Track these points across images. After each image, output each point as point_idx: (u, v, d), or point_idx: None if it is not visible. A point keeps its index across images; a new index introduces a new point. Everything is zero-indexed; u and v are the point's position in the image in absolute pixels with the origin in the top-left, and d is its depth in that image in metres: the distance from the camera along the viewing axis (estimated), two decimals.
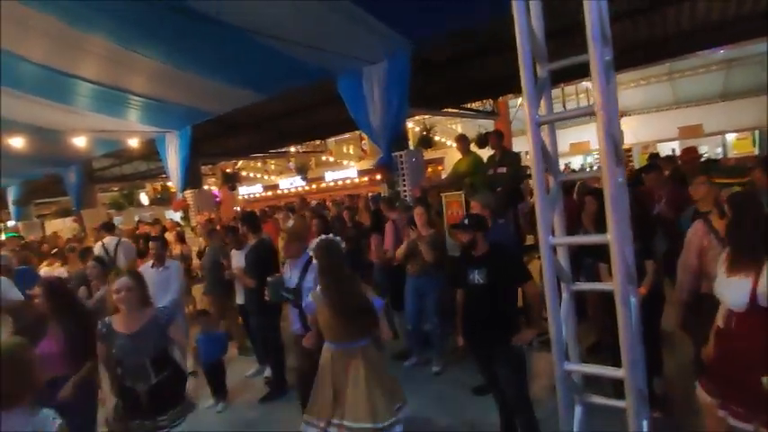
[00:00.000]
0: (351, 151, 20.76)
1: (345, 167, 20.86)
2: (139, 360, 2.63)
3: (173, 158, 8.37)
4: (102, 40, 4.85)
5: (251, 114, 8.43)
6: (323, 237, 3.07)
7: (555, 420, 3.13)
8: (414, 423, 3.58)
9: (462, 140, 5.79)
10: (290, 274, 3.55)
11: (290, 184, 21.87)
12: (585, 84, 12.09)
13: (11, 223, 13.51)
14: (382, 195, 6.23)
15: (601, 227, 3.71)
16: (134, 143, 8.40)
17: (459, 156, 6.15)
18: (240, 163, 18.81)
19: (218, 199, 9.61)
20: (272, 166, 23.12)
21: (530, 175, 7.92)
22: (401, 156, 5.98)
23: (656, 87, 14.31)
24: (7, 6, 4.14)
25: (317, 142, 18.01)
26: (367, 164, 19.08)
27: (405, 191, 5.92)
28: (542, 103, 2.00)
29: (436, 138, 11.34)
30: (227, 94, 6.30)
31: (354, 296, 2.87)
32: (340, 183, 20.26)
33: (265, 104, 7.04)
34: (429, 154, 10.50)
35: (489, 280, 3.02)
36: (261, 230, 4.66)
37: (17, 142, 7.05)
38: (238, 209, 14.43)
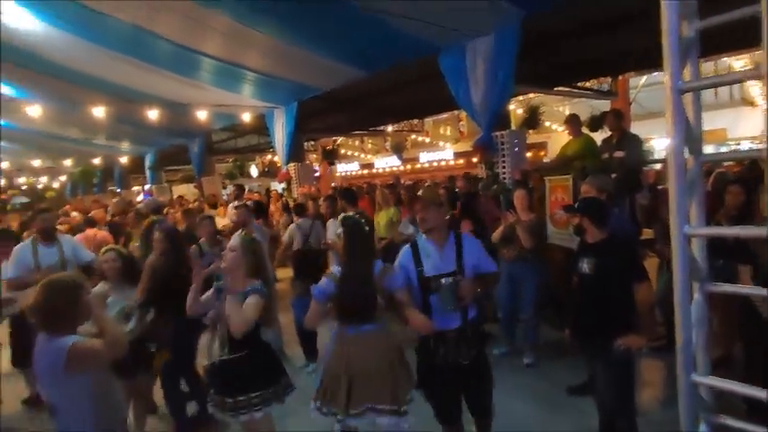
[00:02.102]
0: (448, 132, 20.39)
1: (441, 149, 20.58)
2: (219, 330, 2.60)
3: (279, 133, 8.87)
4: (224, 17, 5.21)
5: (351, 91, 8.58)
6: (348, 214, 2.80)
7: None
8: (499, 416, 3.45)
9: (573, 121, 5.31)
10: (437, 257, 2.51)
11: (386, 163, 22.19)
12: (726, 59, 10.39)
13: (146, 186, 15.54)
14: (479, 177, 5.99)
15: (746, 223, 3.18)
16: (247, 118, 9.04)
17: (563, 141, 5.66)
18: (339, 140, 19.46)
19: (317, 174, 10.07)
20: (369, 145, 23.61)
21: (652, 161, 7.10)
22: (502, 136, 5.67)
23: None
24: None
25: (415, 122, 17.95)
26: (463, 146, 18.61)
27: (504, 173, 5.63)
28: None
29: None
30: (333, 70, 6.46)
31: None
32: (435, 164, 20.08)
33: (365, 82, 7.09)
34: (530, 138, 9.86)
35: (597, 272, 2.75)
36: (357, 205, 4.76)
37: (153, 114, 7.97)
38: (335, 184, 15.01)
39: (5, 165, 16.63)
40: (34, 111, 7.57)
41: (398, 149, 16.92)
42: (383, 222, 5.89)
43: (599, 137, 5.63)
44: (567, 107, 15.22)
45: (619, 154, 4.58)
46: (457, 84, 5.64)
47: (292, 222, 5.38)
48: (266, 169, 21.95)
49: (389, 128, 16.90)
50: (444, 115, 16.99)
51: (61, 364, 2.04)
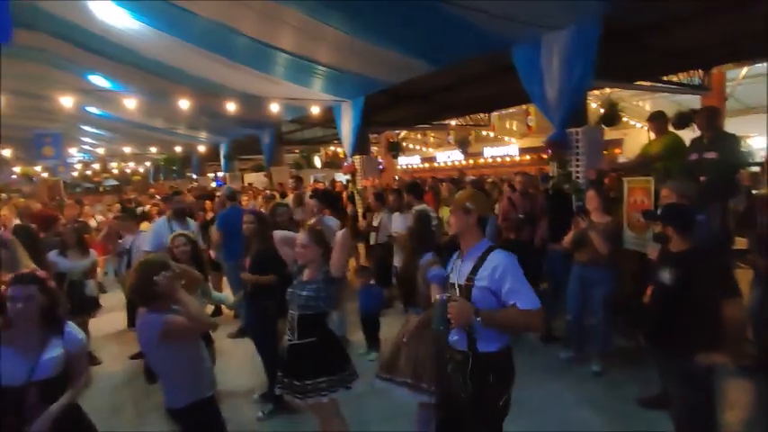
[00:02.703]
0: (514, 127, 19.77)
1: (506, 144, 20.00)
2: (294, 312, 2.71)
3: (346, 126, 9.04)
4: (299, 12, 5.37)
5: (416, 86, 8.54)
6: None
7: None
8: (562, 426, 3.35)
9: (658, 118, 4.94)
10: (460, 265, 2.25)
11: (448, 157, 21.95)
12: None
13: (220, 174, 16.52)
14: (550, 175, 5.76)
15: None
16: (316, 110, 9.30)
17: (641, 138, 5.27)
18: (402, 133, 19.50)
19: (381, 166, 10.16)
20: (432, 139, 23.44)
21: (751, 163, 6.43)
22: (577, 133, 5.40)
23: None
24: None
25: (481, 116, 17.55)
26: (530, 141, 17.97)
27: (577, 172, 5.36)
28: None
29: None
30: (401, 64, 6.46)
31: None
32: (499, 159, 19.58)
33: (431, 76, 7.03)
34: (605, 134, 9.22)
35: (678, 283, 2.57)
36: (423, 199, 4.77)
37: (231, 106, 8.43)
38: (397, 177, 15.09)
39: (101, 151, 18.43)
40: (130, 102, 8.28)
41: (462, 144, 16.63)
42: (447, 217, 5.85)
43: (685, 135, 5.19)
44: (647, 102, 14.19)
45: (710, 155, 4.19)
46: (530, 78, 5.45)
47: (357, 212, 5.52)
48: (329, 161, 22.52)
49: (453, 122, 16.67)
50: (511, 109, 16.45)
51: (155, 336, 2.27)
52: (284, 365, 2.76)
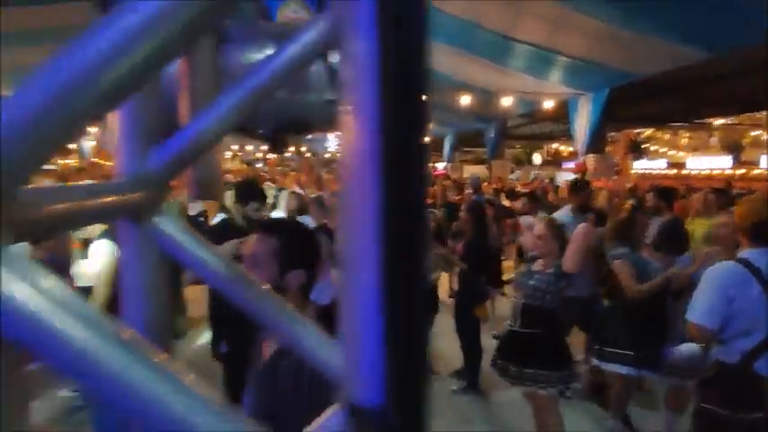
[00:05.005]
0: None
1: None
2: (518, 300, 2.77)
3: (582, 121, 8.34)
4: (548, 2, 5.19)
5: (672, 77, 7.22)
6: None
7: None
8: None
9: None
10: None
11: (704, 164, 18.11)
12: None
13: (440, 165, 17.52)
14: None
15: None
16: (550, 104, 8.87)
17: None
18: (647, 132, 16.93)
19: (617, 167, 9.04)
20: (685, 140, 19.65)
21: None
22: None
23: None
24: None
25: (761, 114, 13.82)
26: None
27: None
28: None
29: None
30: (665, 52, 5.59)
31: None
32: None
33: (692, 64, 5.87)
34: None
35: None
36: (673, 208, 4.19)
37: (464, 100, 8.78)
38: (629, 185, 13.28)
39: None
40: None
41: (733, 148, 13.45)
42: (699, 232, 4.93)
43: None
44: None
45: None
46: None
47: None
48: (549, 158, 21.39)
49: (718, 120, 13.63)
50: None
51: None
52: (502, 348, 2.84)
